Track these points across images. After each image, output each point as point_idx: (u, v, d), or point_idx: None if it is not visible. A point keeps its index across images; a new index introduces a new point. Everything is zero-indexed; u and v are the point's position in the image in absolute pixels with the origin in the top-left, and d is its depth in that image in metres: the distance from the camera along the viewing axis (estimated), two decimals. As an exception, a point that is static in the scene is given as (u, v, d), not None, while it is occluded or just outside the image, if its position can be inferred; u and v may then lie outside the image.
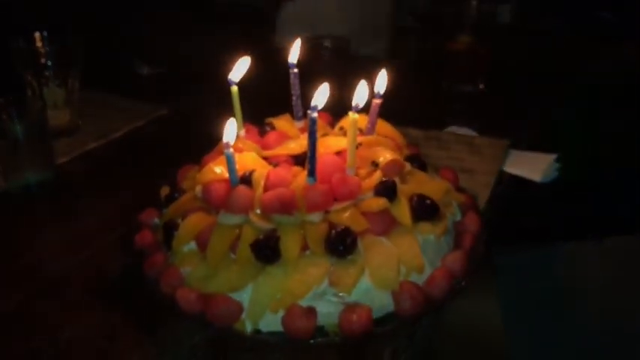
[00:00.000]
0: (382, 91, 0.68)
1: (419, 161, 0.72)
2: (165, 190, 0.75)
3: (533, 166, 0.84)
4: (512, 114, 1.02)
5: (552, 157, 0.86)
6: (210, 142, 0.72)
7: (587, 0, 1.86)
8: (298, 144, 0.70)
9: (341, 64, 0.78)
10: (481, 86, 1.09)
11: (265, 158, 0.69)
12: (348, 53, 1.05)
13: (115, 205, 0.90)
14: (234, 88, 0.69)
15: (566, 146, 0.90)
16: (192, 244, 0.64)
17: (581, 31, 1.82)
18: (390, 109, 0.73)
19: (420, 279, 0.61)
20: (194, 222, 0.64)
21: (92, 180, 0.99)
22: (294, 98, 0.73)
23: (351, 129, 0.63)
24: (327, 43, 0.99)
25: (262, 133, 0.73)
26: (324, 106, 0.63)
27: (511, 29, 1.92)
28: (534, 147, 0.91)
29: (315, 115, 0.59)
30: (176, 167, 0.76)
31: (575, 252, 0.83)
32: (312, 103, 0.60)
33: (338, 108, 0.70)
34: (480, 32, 1.08)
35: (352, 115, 0.62)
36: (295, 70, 0.71)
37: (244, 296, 0.58)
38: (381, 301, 0.58)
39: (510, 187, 0.84)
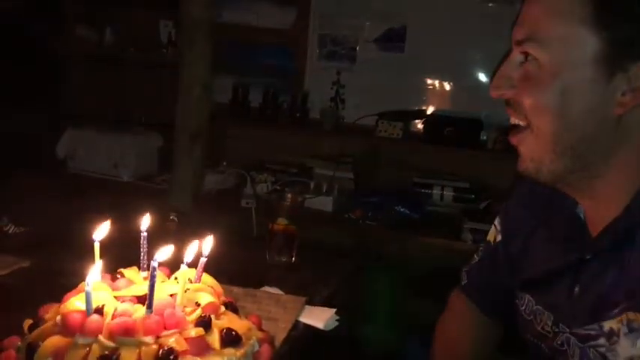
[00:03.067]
0: (207, 252, 0.96)
1: (232, 306, 0.99)
2: (28, 322, 0.93)
3: (320, 317, 1.14)
4: (314, 279, 1.34)
5: (333, 311, 1.16)
6: (65, 290, 0.92)
7: (390, 199, 2.35)
8: (141, 288, 0.94)
9: (183, 233, 1.04)
10: (293, 258, 1.40)
11: (116, 297, 0.92)
12: (190, 224, 1.34)
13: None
14: (97, 244, 0.93)
15: (348, 305, 1.22)
16: (51, 361, 0.83)
17: (384, 221, 2.27)
18: (223, 270, 1.01)
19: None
20: (53, 342, 0.84)
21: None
22: (141, 255, 0.98)
23: (182, 278, 0.90)
24: (173, 217, 1.27)
25: (115, 279, 0.97)
26: (166, 262, 0.90)
27: (333, 216, 2.35)
28: (325, 303, 1.22)
29: (155, 264, 0.85)
30: (37, 307, 0.96)
31: None
32: (154, 258, 0.86)
33: (176, 266, 0.96)
34: (293, 217, 1.42)
35: (183, 268, 0.89)
36: (144, 234, 0.98)
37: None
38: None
39: (303, 331, 1.12)
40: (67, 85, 2.87)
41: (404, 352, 2.35)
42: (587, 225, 0.87)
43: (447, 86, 2.57)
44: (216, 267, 1.06)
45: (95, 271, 0.87)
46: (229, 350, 0.88)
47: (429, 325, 2.42)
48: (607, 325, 0.79)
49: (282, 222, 1.40)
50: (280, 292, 1.23)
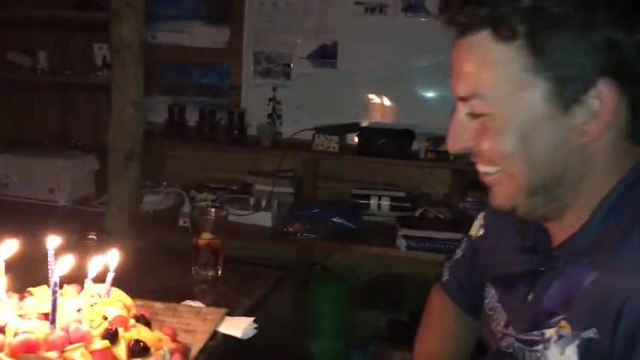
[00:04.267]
0: (114, 267, 0.98)
1: (144, 320, 1.00)
2: None
3: (238, 327, 1.16)
4: (237, 291, 1.35)
5: (251, 319, 1.19)
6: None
7: (328, 211, 2.39)
8: (48, 305, 0.94)
9: (99, 251, 1.06)
10: (219, 272, 1.42)
11: (22, 316, 0.92)
12: (109, 243, 1.34)
13: None
14: (1, 264, 0.93)
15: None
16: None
17: (322, 232, 2.31)
18: (147, 286, 1.00)
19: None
20: (-45, 364, 0.84)
21: None
22: (50, 272, 0.98)
23: (88, 292, 0.91)
24: (92, 235, 1.29)
25: (23, 298, 0.97)
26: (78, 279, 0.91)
27: (273, 230, 2.38)
28: (247, 314, 1.24)
29: (56, 279, 0.86)
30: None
31: None
32: (56, 272, 0.87)
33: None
34: (218, 231, 1.44)
35: (88, 283, 0.90)
36: (52, 252, 0.98)
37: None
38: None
39: (222, 341, 1.14)
40: (1, 111, 2.84)
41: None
42: (552, 240, 0.87)
43: (379, 99, 2.63)
44: (140, 284, 1.08)
45: (-3, 290, 0.87)
46: (137, 361, 0.90)
47: (370, 335, 2.46)
48: (547, 333, 0.81)
49: (205, 236, 1.41)
50: (201, 305, 1.24)
